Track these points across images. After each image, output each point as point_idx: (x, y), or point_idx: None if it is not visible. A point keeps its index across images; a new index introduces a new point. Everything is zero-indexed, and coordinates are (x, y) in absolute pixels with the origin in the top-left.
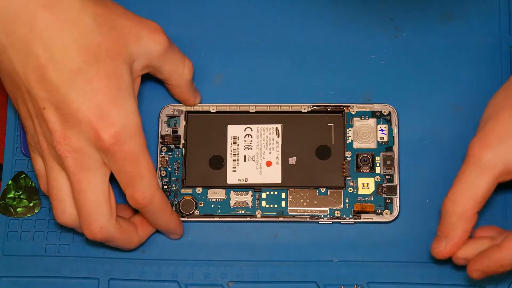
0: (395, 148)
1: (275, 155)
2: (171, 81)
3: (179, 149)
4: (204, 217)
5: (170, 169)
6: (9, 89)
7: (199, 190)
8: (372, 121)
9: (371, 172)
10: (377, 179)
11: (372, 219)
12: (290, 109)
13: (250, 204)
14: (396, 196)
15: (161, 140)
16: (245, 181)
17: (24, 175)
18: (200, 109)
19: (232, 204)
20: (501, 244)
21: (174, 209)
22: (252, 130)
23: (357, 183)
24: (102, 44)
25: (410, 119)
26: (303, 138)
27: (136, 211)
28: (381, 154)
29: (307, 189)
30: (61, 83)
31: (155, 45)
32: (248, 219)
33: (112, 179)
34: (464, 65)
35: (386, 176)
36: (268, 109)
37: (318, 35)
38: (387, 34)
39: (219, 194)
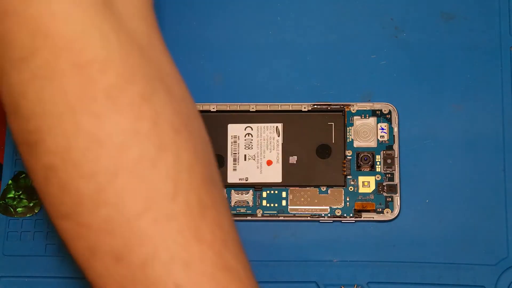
0: (396, 146)
1: (276, 154)
2: None
3: None
4: None
5: None
6: None
7: None
8: (372, 120)
9: (372, 171)
10: (378, 177)
11: (373, 217)
12: (290, 108)
13: (250, 203)
14: (397, 194)
15: None
16: (246, 180)
17: (24, 175)
18: (200, 109)
19: (232, 203)
20: None
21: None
22: (252, 129)
23: (357, 182)
24: None
25: (411, 119)
26: (303, 137)
27: None
28: (382, 152)
29: (307, 188)
30: None
31: None
32: (249, 218)
33: None
34: (464, 65)
35: (387, 175)
36: (268, 108)
37: (318, 35)
38: (387, 34)
39: None
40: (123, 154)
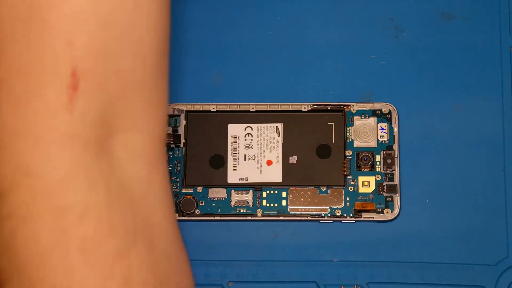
0: (396, 146)
1: (276, 154)
2: None
3: (180, 149)
4: (204, 216)
5: (170, 168)
6: None
7: (199, 189)
8: (372, 120)
9: (372, 171)
10: (378, 177)
11: (373, 217)
12: (290, 108)
13: (250, 203)
14: (397, 194)
15: None
16: (246, 180)
17: None
18: (201, 109)
19: (232, 203)
20: None
21: (174, 208)
22: (252, 129)
23: (357, 182)
24: None
25: (410, 119)
26: (303, 137)
27: None
28: (382, 152)
29: (307, 188)
30: None
31: None
32: (249, 218)
33: None
34: (464, 65)
35: (387, 175)
36: (269, 108)
37: (318, 35)
38: (387, 34)
39: (220, 193)
40: None
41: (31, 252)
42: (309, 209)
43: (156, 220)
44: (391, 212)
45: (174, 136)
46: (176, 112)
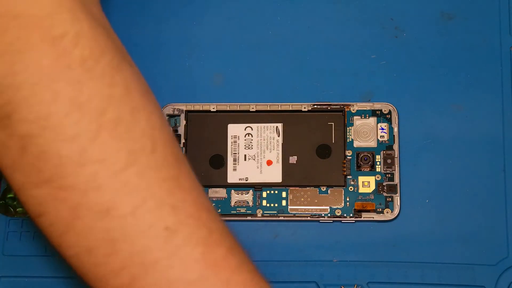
0: (396, 146)
1: (276, 154)
2: None
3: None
4: None
5: None
6: None
7: None
8: (372, 120)
9: (372, 171)
10: (378, 177)
11: (373, 217)
12: (291, 108)
13: (250, 203)
14: (397, 194)
15: None
16: (246, 180)
17: None
18: (201, 109)
19: (232, 203)
20: None
21: None
22: (252, 129)
23: (357, 182)
24: None
25: (410, 119)
26: (303, 137)
27: None
28: (382, 152)
29: (307, 188)
30: None
31: None
32: (249, 218)
33: None
34: (464, 65)
35: (387, 175)
36: (269, 108)
37: (318, 35)
38: (387, 34)
39: (220, 193)
40: (102, 116)
41: (36, 77)
42: (309, 209)
43: (124, 49)
44: (391, 212)
45: None
46: (176, 112)
